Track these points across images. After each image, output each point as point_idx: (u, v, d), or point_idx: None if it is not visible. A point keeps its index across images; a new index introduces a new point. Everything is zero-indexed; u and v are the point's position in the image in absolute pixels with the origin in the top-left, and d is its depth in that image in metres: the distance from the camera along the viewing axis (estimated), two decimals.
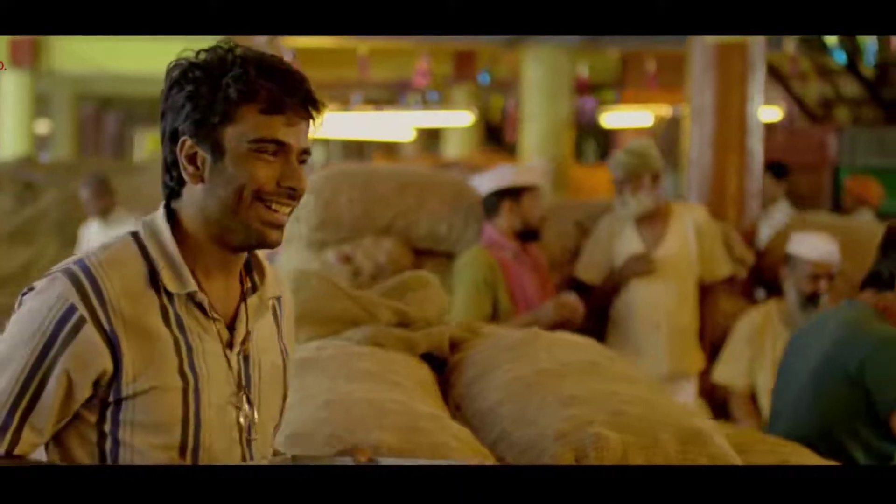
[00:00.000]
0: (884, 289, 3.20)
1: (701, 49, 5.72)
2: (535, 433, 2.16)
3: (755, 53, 5.72)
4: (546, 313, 4.51)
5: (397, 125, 15.20)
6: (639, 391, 2.28)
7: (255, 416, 1.91)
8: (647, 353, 4.81)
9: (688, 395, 4.88)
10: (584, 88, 10.37)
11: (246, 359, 1.92)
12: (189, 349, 1.85)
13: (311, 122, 1.88)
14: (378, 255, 4.85)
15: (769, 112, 12.28)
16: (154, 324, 1.83)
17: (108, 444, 1.84)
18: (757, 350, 4.80)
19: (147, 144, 24.79)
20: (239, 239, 1.87)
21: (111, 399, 1.82)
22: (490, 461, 2.14)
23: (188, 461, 1.84)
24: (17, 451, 1.80)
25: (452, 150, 14.64)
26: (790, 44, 10.07)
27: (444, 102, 14.54)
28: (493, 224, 4.67)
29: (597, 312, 4.96)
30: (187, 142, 1.85)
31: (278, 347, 2.01)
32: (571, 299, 4.57)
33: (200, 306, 1.87)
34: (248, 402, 1.91)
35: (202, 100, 1.84)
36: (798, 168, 9.63)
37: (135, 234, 1.89)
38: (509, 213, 4.63)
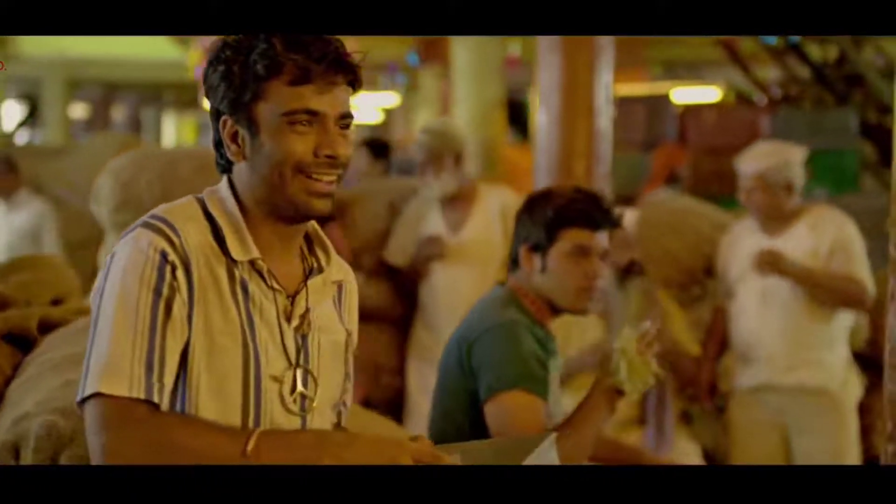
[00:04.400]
0: (515, 269, 3.05)
1: None
2: (22, 412, 2.17)
3: None
4: None
5: (364, 107, 15.21)
6: None
7: (311, 392, 1.92)
8: (448, 337, 4.71)
9: None
10: (514, 68, 10.25)
11: (304, 337, 1.92)
12: (249, 314, 1.86)
13: (348, 85, 1.90)
14: None
15: (705, 93, 12.10)
16: (221, 283, 1.85)
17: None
18: (566, 332, 4.67)
19: (186, 132, 24.61)
20: (288, 212, 1.90)
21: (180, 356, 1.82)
22: None
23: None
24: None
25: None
26: None
27: (412, 85, 14.48)
28: None
29: (406, 297, 4.88)
30: (228, 121, 1.89)
31: (341, 327, 2.01)
32: (357, 280, 4.48)
33: (261, 275, 1.89)
34: (304, 379, 1.91)
35: (234, 78, 1.86)
36: (729, 150, 9.46)
37: (199, 199, 1.92)
38: None
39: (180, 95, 22.18)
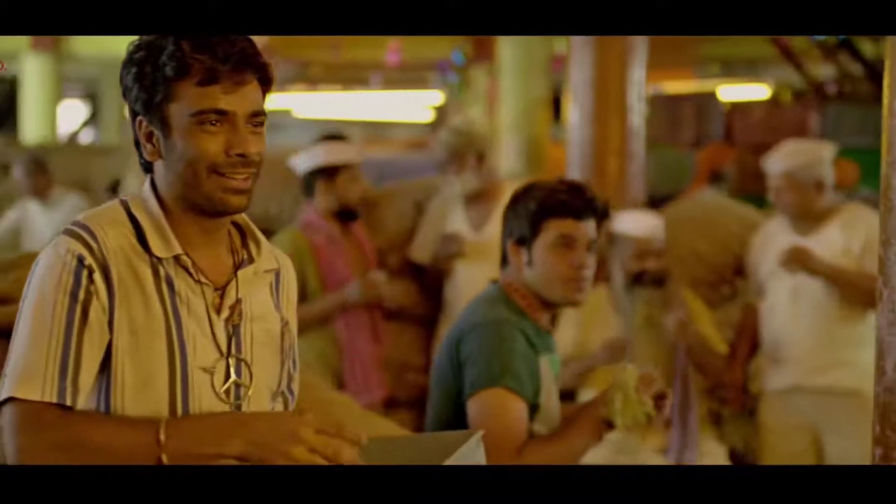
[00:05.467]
0: (505, 266, 3.02)
1: None
2: None
3: None
4: (353, 293, 4.44)
5: (414, 106, 15.21)
6: None
7: (245, 381, 1.96)
8: None
9: None
10: (560, 66, 10.18)
11: (236, 327, 1.96)
12: (175, 309, 1.91)
13: (259, 83, 1.94)
14: None
15: (754, 90, 11.95)
16: (145, 281, 1.90)
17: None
18: (583, 335, 4.62)
19: None
20: (205, 208, 1.93)
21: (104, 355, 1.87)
22: None
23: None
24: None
25: None
26: None
27: (464, 83, 14.46)
28: (312, 204, 4.58)
29: (431, 295, 4.86)
30: (143, 121, 1.93)
31: (276, 317, 2.05)
32: (379, 278, 4.48)
33: (187, 269, 1.93)
34: (237, 368, 1.95)
35: (146, 80, 1.90)
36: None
37: (123, 202, 1.96)
38: (324, 193, 4.54)
39: None
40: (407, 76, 14.57)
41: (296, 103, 15.05)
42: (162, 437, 1.78)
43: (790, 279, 4.44)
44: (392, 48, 10.28)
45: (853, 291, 4.35)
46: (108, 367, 1.86)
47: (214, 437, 1.81)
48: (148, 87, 1.90)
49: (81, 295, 1.84)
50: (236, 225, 2.05)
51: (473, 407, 2.82)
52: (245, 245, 2.04)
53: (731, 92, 11.63)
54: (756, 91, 12.15)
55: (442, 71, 13.94)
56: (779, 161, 4.52)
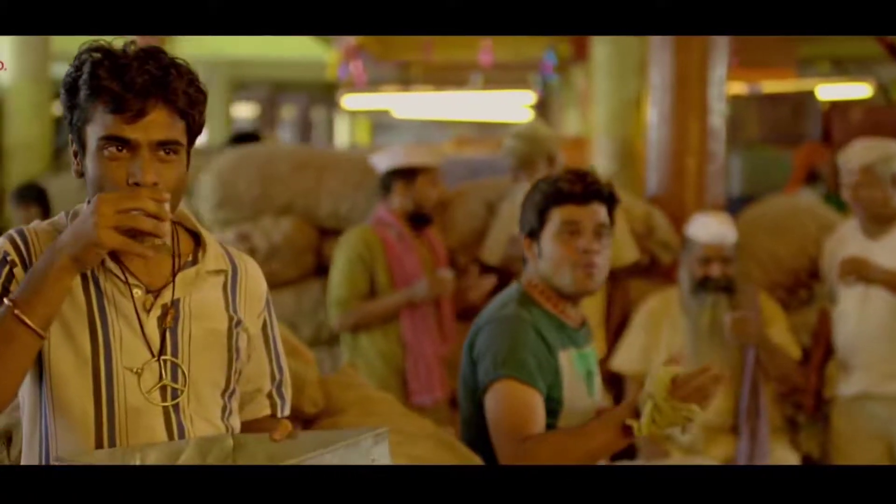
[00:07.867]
0: (525, 263, 3.01)
1: None
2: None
3: None
4: (421, 290, 4.44)
5: (513, 106, 15.16)
6: None
7: (180, 384, 1.99)
8: None
9: None
10: None
11: (172, 328, 2.00)
12: (102, 308, 1.96)
13: (173, 111, 1.94)
14: (274, 235, 4.87)
15: (857, 89, 11.64)
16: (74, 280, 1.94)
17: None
18: (651, 337, 4.57)
19: (360, 132, 24.66)
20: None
21: None
22: None
23: (104, 418, 1.94)
24: None
25: (572, 129, 14.43)
26: None
27: (564, 83, 14.39)
28: (386, 203, 4.60)
29: None
30: (71, 138, 2.01)
31: (224, 316, 2.06)
32: (447, 276, 4.48)
33: (113, 272, 1.97)
34: (172, 370, 1.98)
35: (69, 101, 1.97)
36: None
37: (66, 213, 2.05)
38: (402, 194, 4.54)
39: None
40: (507, 76, 14.52)
41: (395, 104, 15.10)
42: (6, 301, 1.87)
43: (860, 284, 4.32)
44: (484, 48, 10.27)
45: None
46: (41, 356, 1.94)
47: (43, 267, 1.87)
48: (71, 107, 1.97)
49: (1, 281, 1.94)
50: (189, 230, 2.09)
51: (486, 400, 2.85)
52: (196, 247, 2.08)
53: (832, 91, 11.34)
54: (858, 90, 11.83)
55: (543, 71, 13.86)
56: (855, 156, 4.40)
